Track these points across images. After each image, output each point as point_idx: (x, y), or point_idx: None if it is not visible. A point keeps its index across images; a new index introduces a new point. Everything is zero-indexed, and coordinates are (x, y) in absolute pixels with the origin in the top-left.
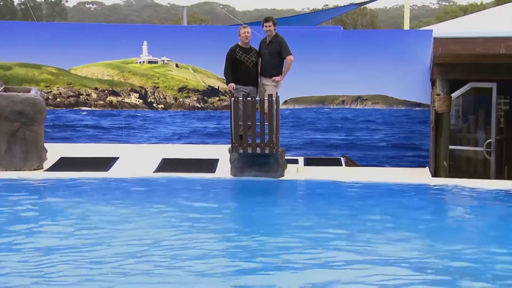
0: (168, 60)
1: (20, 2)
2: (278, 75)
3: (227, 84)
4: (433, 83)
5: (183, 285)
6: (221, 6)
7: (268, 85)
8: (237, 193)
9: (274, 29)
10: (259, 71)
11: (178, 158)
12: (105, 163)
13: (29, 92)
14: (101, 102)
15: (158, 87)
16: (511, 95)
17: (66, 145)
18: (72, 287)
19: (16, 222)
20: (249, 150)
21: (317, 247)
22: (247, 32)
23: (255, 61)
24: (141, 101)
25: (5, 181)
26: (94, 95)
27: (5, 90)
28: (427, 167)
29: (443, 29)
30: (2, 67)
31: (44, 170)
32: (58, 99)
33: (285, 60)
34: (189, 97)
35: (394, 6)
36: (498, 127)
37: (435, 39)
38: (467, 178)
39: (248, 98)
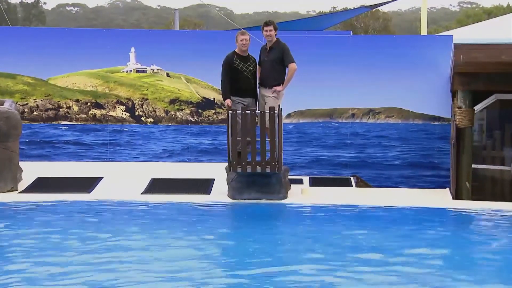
0: (158, 69)
1: None
2: (280, 85)
3: (223, 100)
4: (453, 95)
5: None
6: (217, 8)
7: (268, 96)
8: (233, 221)
9: (275, 34)
10: (257, 81)
11: (169, 178)
12: (88, 183)
13: (2, 104)
14: (83, 116)
15: (147, 99)
16: None
17: (44, 163)
18: None
19: None
20: (249, 169)
21: None
22: (245, 39)
23: (253, 70)
24: (128, 114)
25: None
26: (75, 108)
27: None
28: (448, 188)
29: (464, 35)
30: None
31: (19, 192)
32: (35, 113)
33: (287, 69)
34: (182, 110)
35: (409, 9)
36: None
37: (456, 45)
38: (493, 201)
39: (247, 111)
